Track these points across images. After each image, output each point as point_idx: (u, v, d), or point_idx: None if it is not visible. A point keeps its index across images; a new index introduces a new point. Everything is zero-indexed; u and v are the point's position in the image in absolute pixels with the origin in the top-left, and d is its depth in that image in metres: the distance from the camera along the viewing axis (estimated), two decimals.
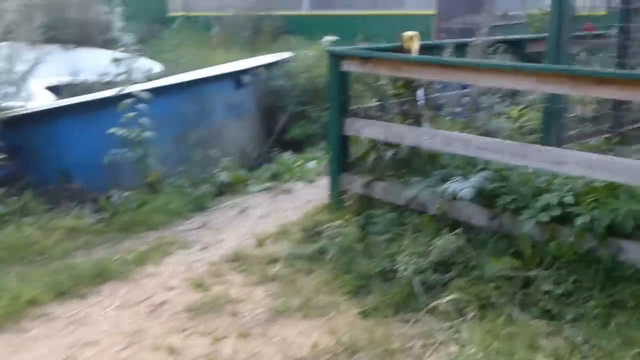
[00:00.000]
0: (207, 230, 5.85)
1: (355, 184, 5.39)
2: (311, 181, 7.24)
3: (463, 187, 4.44)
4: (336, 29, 17.46)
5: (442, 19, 10.56)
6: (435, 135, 4.82)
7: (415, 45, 5.86)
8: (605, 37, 6.41)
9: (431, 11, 15.60)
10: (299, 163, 7.81)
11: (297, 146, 8.87)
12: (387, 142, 5.25)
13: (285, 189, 6.99)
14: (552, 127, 5.19)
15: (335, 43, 13.73)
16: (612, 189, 4.06)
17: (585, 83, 4.01)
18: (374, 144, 5.42)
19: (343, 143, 5.54)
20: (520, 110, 4.43)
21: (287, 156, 8.00)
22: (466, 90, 5.55)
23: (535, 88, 4.38)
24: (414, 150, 5.15)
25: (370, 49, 5.61)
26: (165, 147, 6.84)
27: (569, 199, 4.15)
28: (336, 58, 5.41)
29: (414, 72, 4.88)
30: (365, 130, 5.34)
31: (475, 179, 4.51)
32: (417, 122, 5.19)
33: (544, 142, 5.24)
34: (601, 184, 4.13)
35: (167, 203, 6.30)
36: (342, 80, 5.46)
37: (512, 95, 5.73)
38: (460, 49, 5.64)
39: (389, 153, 5.22)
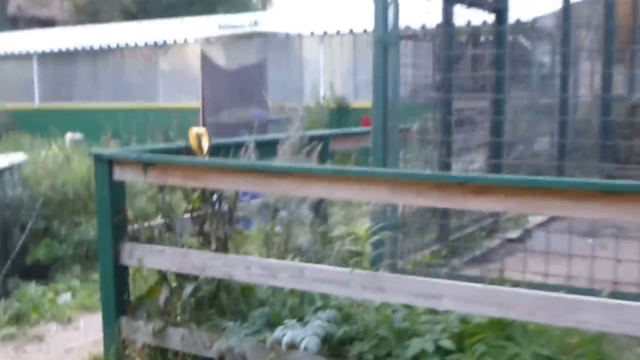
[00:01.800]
0: None
1: (142, 331, 3.94)
2: (69, 321, 5.57)
3: (303, 335, 3.24)
4: (76, 125, 15.73)
5: (209, 113, 9.57)
6: (252, 265, 3.59)
7: (204, 145, 4.67)
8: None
9: (194, 104, 14.57)
10: (49, 297, 6.07)
11: (43, 272, 7.10)
12: (182, 273, 3.92)
13: (34, 335, 5.24)
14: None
15: (79, 142, 12.11)
16: (501, 327, 3.12)
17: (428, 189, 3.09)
18: (164, 277, 4.04)
19: (121, 276, 4.09)
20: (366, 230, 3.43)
21: (32, 288, 6.20)
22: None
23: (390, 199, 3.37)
24: (222, 284, 3.87)
25: (150, 150, 4.31)
26: None
27: (446, 342, 3.14)
28: (106, 164, 4.01)
29: (222, 181, 3.65)
30: (150, 260, 3.96)
31: (316, 323, 3.33)
32: (224, 245, 3.93)
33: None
34: (484, 320, 3.18)
35: None
36: (115, 193, 4.05)
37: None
38: (261, 148, 4.54)
39: (187, 289, 3.87)
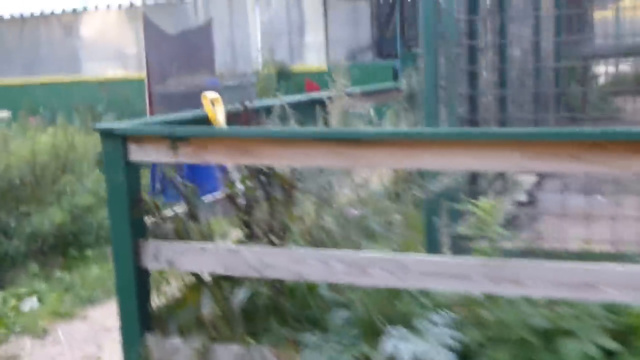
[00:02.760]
0: None
1: (182, 352, 3.11)
2: (44, 332, 4.66)
3: (430, 349, 2.52)
4: None
5: (155, 83, 8.57)
6: (332, 259, 2.82)
7: (220, 112, 3.85)
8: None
9: (120, 75, 13.37)
10: (11, 304, 5.10)
11: None
12: (228, 275, 3.11)
13: (6, 355, 4.31)
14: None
15: (5, 121, 10.76)
16: None
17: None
18: (201, 280, 3.22)
19: (142, 283, 3.24)
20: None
21: None
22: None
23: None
24: (283, 285, 3.09)
25: (170, 122, 3.46)
26: None
27: (610, 343, 2.51)
28: (119, 141, 3.13)
29: (284, 156, 2.84)
30: (185, 261, 3.12)
31: (437, 330, 2.62)
32: (279, 237, 3.13)
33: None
34: None
35: None
36: (131, 178, 3.18)
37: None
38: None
39: (239, 295, 3.06)
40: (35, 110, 12.95)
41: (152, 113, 8.69)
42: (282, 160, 2.89)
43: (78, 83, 13.60)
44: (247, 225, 3.17)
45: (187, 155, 3.05)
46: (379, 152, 2.66)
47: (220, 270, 3.08)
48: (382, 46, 14.01)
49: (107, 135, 3.15)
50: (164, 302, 3.35)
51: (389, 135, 2.66)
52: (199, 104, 8.93)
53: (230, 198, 3.15)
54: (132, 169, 3.19)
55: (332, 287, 3.16)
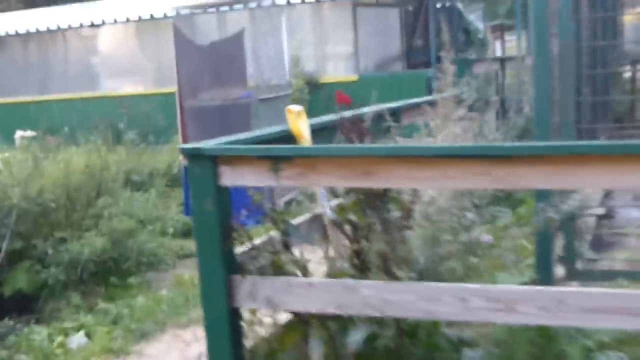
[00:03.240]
0: None
1: None
2: None
3: None
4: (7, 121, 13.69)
5: (186, 97, 8.18)
6: (470, 295, 2.40)
7: (304, 127, 3.45)
8: None
9: (141, 90, 13.01)
10: (58, 341, 4.68)
11: (27, 304, 5.66)
12: (334, 314, 2.69)
13: None
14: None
15: (31, 139, 10.39)
16: None
17: None
18: (303, 320, 2.80)
19: (235, 324, 2.82)
20: None
21: (36, 331, 4.77)
22: None
23: None
24: (404, 326, 2.67)
25: (255, 140, 3.06)
26: None
27: None
28: (208, 163, 2.72)
29: (419, 178, 2.42)
30: (289, 299, 2.69)
31: None
32: (401, 267, 2.71)
33: None
34: None
35: None
36: (222, 205, 2.77)
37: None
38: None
39: (355, 337, 2.64)
40: (53, 129, 12.59)
41: (183, 129, 8.29)
42: (414, 183, 2.47)
43: (96, 99, 13.22)
44: (357, 255, 2.75)
45: (290, 178, 2.63)
46: (538, 170, 2.24)
47: (332, 310, 2.65)
48: (410, 55, 13.66)
49: (194, 156, 2.74)
50: (257, 343, 2.93)
51: (553, 150, 2.24)
52: (233, 119, 8.54)
53: (337, 224, 2.73)
54: (223, 195, 2.78)
55: (453, 324, 2.75)
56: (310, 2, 12.42)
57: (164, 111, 11.52)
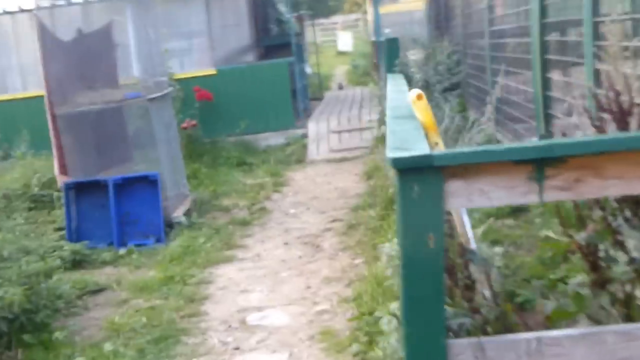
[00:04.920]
0: None
1: None
2: None
3: None
4: None
5: (56, 103, 6.70)
6: None
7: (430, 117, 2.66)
8: None
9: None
10: None
11: None
12: None
13: None
14: None
15: None
16: None
17: None
18: None
19: None
20: None
21: None
22: None
23: None
24: None
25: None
26: None
27: None
28: (433, 178, 1.83)
29: None
30: None
31: None
32: None
33: None
34: None
35: None
36: (443, 237, 1.90)
37: None
38: None
39: None
40: None
41: (57, 140, 6.83)
42: None
43: None
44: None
45: (561, 189, 1.83)
46: None
47: None
48: (260, 45, 13.11)
49: (415, 170, 1.83)
50: None
51: None
52: (117, 124, 7.18)
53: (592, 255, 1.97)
54: (444, 221, 1.91)
55: None
56: None
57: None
